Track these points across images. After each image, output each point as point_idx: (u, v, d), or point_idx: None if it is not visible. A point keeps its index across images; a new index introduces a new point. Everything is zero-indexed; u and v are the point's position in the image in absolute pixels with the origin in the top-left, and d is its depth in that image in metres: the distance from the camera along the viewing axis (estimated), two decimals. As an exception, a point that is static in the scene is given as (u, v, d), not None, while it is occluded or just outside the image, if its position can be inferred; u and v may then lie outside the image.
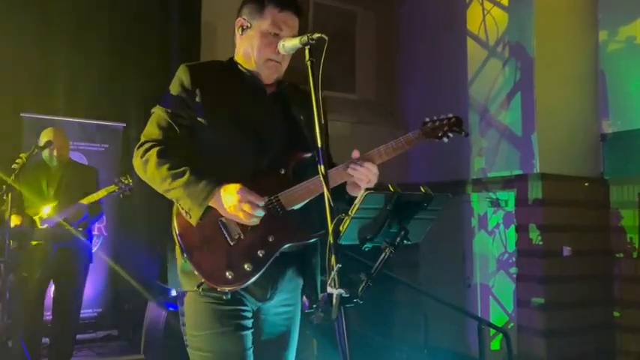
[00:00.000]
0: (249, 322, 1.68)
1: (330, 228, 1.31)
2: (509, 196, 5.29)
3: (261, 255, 1.61)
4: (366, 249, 1.45)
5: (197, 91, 1.71)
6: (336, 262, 1.28)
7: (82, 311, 3.90)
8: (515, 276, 5.11)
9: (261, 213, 1.57)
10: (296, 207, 1.67)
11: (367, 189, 1.42)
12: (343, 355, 1.28)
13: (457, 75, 5.89)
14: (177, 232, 1.65)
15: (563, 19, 5.21)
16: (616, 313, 5.02)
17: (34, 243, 3.36)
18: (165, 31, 5.32)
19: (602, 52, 5.29)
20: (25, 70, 4.68)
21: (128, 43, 5.18)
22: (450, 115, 1.83)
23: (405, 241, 1.42)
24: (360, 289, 1.33)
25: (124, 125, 5.16)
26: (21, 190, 3.50)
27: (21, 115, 4.66)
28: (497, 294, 5.35)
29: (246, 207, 1.54)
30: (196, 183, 1.59)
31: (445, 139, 1.81)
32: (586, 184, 5.01)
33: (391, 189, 1.40)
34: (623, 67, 5.14)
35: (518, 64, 5.23)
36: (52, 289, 3.66)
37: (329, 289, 1.29)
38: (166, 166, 1.62)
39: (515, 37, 5.28)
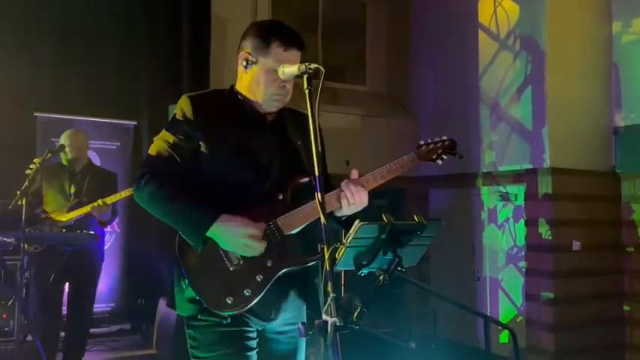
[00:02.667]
0: (253, 343, 1.72)
1: (326, 257, 1.34)
2: (519, 190, 5.27)
3: (259, 280, 1.66)
4: (362, 274, 1.48)
5: (198, 122, 1.75)
6: (332, 291, 1.31)
7: (95, 306, 4.02)
8: (524, 270, 5.12)
9: (261, 246, 1.62)
10: (294, 231, 1.71)
11: (361, 220, 1.44)
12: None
13: (468, 67, 5.84)
14: (177, 255, 1.71)
15: (575, 11, 5.13)
16: (626, 307, 5.01)
17: (47, 246, 3.45)
18: (176, 29, 5.36)
19: (615, 44, 5.21)
20: (39, 70, 4.77)
21: (139, 42, 5.26)
22: (445, 138, 1.86)
23: (399, 268, 1.45)
24: (355, 315, 1.36)
25: (135, 124, 5.25)
26: (41, 193, 3.61)
27: (34, 114, 4.76)
28: (506, 287, 5.36)
29: (249, 243, 1.60)
30: (195, 213, 1.64)
31: (439, 162, 1.85)
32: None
33: (385, 219, 1.42)
34: (637, 59, 5.06)
35: (529, 57, 5.17)
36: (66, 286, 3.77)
37: (324, 317, 1.33)
38: (166, 197, 1.66)
39: (526, 30, 5.22)
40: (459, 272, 5.76)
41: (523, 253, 5.15)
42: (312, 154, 1.45)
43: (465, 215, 5.80)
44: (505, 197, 5.41)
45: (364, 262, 1.44)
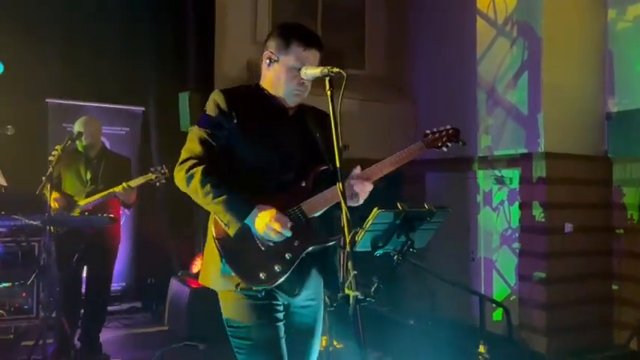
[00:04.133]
0: (281, 315, 1.93)
1: (348, 238, 1.53)
2: (513, 174, 5.44)
3: (288, 257, 1.85)
4: (378, 255, 1.67)
5: (232, 113, 1.92)
6: (353, 269, 1.50)
7: (109, 285, 4.19)
8: (517, 251, 5.31)
9: (288, 233, 1.80)
10: (316, 214, 1.91)
11: (379, 208, 1.62)
12: (359, 344, 1.51)
13: (466, 53, 5.96)
14: (215, 236, 1.89)
15: (571, -1, 5.23)
16: (615, 287, 5.22)
17: (70, 229, 3.62)
18: (182, 17, 5.47)
19: (610, 31, 5.33)
20: (50, 57, 4.87)
21: (146, 30, 5.37)
22: (449, 127, 2.07)
23: (411, 249, 1.63)
24: (372, 289, 1.54)
25: (143, 109, 5.37)
26: (61, 178, 3.76)
27: (46, 100, 4.87)
28: (500, 268, 5.57)
29: (277, 226, 1.79)
30: (235, 202, 1.83)
31: (444, 149, 2.07)
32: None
33: (400, 207, 1.60)
34: (631, 46, 5.18)
35: (525, 44, 5.30)
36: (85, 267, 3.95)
37: (347, 291, 1.51)
38: (209, 183, 1.83)
39: (523, 17, 5.32)
40: (456, 253, 5.95)
41: (517, 235, 5.33)
42: (331, 146, 1.64)
43: (460, 198, 5.97)
44: (500, 181, 5.58)
45: (380, 245, 1.63)
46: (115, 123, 5.21)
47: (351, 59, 7.13)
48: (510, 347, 4.34)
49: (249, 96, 2.01)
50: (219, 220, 1.87)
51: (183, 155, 1.93)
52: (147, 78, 5.42)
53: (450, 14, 6.19)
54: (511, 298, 5.38)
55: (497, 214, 5.64)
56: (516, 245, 5.34)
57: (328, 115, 1.77)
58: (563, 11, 5.17)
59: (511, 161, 5.44)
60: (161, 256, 4.98)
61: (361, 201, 1.92)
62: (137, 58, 5.38)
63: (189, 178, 1.86)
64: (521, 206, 5.29)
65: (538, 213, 5.14)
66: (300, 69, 1.92)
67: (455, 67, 6.11)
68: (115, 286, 5.09)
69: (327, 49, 6.68)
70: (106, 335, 4.19)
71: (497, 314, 5.41)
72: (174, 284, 4.49)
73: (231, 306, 1.92)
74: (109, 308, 4.70)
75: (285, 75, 1.95)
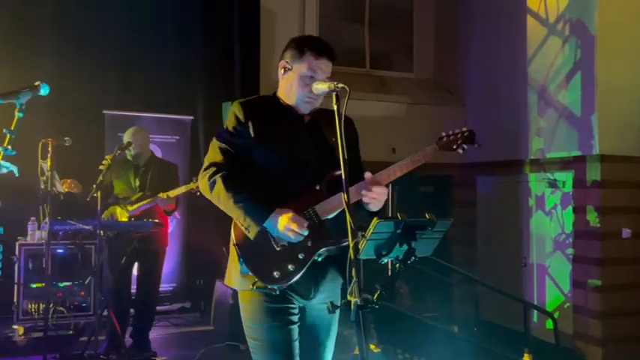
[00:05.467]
0: (295, 318, 2.00)
1: (351, 246, 1.59)
2: (567, 177, 5.25)
3: (301, 257, 1.93)
4: (382, 262, 1.71)
5: (249, 124, 2.02)
6: (356, 275, 1.54)
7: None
8: (571, 257, 5.12)
9: (305, 232, 1.89)
10: (329, 217, 1.97)
11: (378, 218, 1.66)
12: (360, 348, 1.56)
13: (516, 53, 5.81)
14: (234, 241, 2.00)
15: (627, -5, 4.99)
16: (676, 296, 4.93)
17: (119, 233, 3.87)
18: (229, 30, 5.71)
19: (669, 28, 5.04)
20: (106, 71, 5.24)
21: (195, 44, 5.68)
22: (464, 129, 2.06)
23: (413, 258, 1.66)
24: (375, 296, 1.59)
25: (192, 118, 5.64)
26: (112, 185, 4.03)
27: (103, 112, 5.22)
28: (553, 274, 5.38)
29: (294, 226, 1.88)
30: (255, 207, 1.93)
31: (460, 151, 2.05)
32: None
33: (399, 217, 1.63)
34: (691, 43, 4.89)
35: (578, 42, 5.10)
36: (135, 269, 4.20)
37: (349, 297, 1.57)
38: (230, 189, 1.94)
39: (576, 14, 5.13)
40: (506, 258, 5.81)
41: (571, 240, 5.14)
42: (351, 153, 1.73)
43: (512, 202, 5.83)
44: (553, 184, 5.40)
45: (384, 252, 1.67)
46: (166, 132, 5.49)
47: (399, 62, 7.12)
48: (559, 357, 4.19)
49: (265, 105, 2.10)
50: (240, 224, 1.97)
51: (206, 163, 2.04)
52: (196, 88, 5.71)
53: (500, 14, 6.05)
54: (565, 306, 5.19)
55: (550, 219, 5.46)
56: (570, 251, 5.15)
57: (347, 118, 1.84)
58: (616, 8, 4.94)
59: (564, 164, 5.26)
60: (208, 259, 5.18)
61: (379, 205, 1.95)
62: (187, 70, 5.69)
63: (212, 185, 1.97)
64: (575, 210, 5.10)
65: (593, 218, 4.93)
66: (311, 77, 2.01)
67: (505, 67, 5.97)
68: (166, 286, 5.35)
69: (375, 52, 6.72)
70: (155, 333, 4.42)
71: (550, 322, 5.23)
72: (220, 286, 4.67)
73: (248, 307, 2.01)
74: (160, 308, 4.96)
75: (297, 83, 2.03)
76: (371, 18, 6.91)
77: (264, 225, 1.91)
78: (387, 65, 7.04)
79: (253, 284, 1.94)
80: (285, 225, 1.87)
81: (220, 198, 1.96)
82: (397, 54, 7.16)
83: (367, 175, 1.94)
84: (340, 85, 1.82)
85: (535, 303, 5.34)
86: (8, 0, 5.07)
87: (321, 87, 1.93)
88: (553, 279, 5.39)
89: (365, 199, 1.92)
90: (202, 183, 2.02)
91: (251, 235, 1.93)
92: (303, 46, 2.04)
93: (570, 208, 5.16)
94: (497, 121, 6.09)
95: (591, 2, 4.95)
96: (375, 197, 1.91)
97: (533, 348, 3.85)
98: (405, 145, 6.19)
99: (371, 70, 6.86)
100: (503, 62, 6.00)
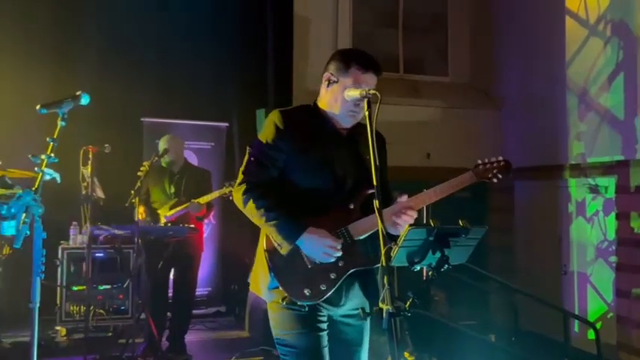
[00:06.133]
0: (324, 325, 2.01)
1: (383, 253, 1.58)
2: (609, 183, 5.09)
3: (333, 277, 1.94)
4: (415, 270, 1.69)
5: (288, 133, 2.01)
6: (388, 283, 1.53)
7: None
8: (614, 265, 4.95)
9: (338, 254, 1.89)
10: (362, 237, 1.97)
11: (411, 224, 1.64)
12: (393, 356, 1.55)
13: (555, 55, 5.68)
14: (265, 249, 2.00)
15: (673, -8, 4.81)
16: None
17: (154, 238, 3.95)
18: (262, 38, 5.82)
19: None
20: (144, 80, 5.40)
21: (229, 52, 5.79)
22: (500, 159, 2.03)
23: (446, 265, 1.64)
24: (407, 304, 1.57)
25: (227, 125, 5.74)
26: (148, 192, 4.14)
27: (141, 119, 5.36)
28: (595, 283, 5.21)
29: (328, 252, 1.89)
30: (288, 223, 1.93)
31: (495, 180, 2.03)
32: None
33: (432, 224, 1.62)
34: None
35: (620, 44, 4.95)
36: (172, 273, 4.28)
37: (380, 304, 1.56)
38: (264, 207, 1.95)
39: (618, 15, 4.98)
40: (545, 265, 5.66)
41: (614, 248, 4.97)
42: (384, 170, 1.77)
43: (551, 208, 5.68)
44: (594, 190, 5.24)
45: (416, 260, 1.66)
46: (202, 138, 5.61)
47: (433, 66, 7.04)
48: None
49: (305, 116, 2.09)
50: (273, 239, 1.98)
51: (240, 176, 2.04)
52: (231, 96, 5.83)
53: (537, 15, 5.93)
54: (608, 316, 5.02)
55: (592, 225, 5.29)
56: (613, 259, 4.98)
57: (380, 135, 1.84)
58: (661, 6, 4.77)
59: (606, 169, 5.10)
60: (243, 264, 5.23)
61: (401, 230, 1.92)
62: (222, 78, 5.79)
63: (246, 200, 1.98)
64: (618, 217, 4.93)
65: (637, 225, 4.76)
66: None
67: (543, 70, 5.84)
68: (202, 291, 5.43)
69: (409, 57, 6.64)
70: (191, 337, 4.49)
71: (592, 332, 5.06)
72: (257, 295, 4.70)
73: (277, 316, 2.02)
74: (197, 312, 5.03)
75: (341, 96, 2.01)
76: (404, 22, 6.86)
77: (297, 243, 1.92)
78: (421, 69, 6.99)
79: (283, 299, 1.95)
80: (318, 246, 1.89)
81: (254, 213, 1.97)
82: (431, 58, 7.08)
83: (404, 197, 1.93)
84: (372, 92, 1.83)
85: (576, 312, 5.18)
86: (49, 13, 5.27)
87: (352, 93, 1.92)
88: (595, 288, 5.22)
89: (398, 221, 1.90)
90: (236, 197, 2.03)
91: (283, 252, 1.95)
92: (349, 60, 2.04)
93: (613, 214, 4.99)
94: (535, 125, 5.95)
95: (634, 2, 4.79)
96: (408, 221, 1.89)
97: (574, 358, 3.73)
98: (439, 149, 6.12)
99: (404, 75, 6.81)
100: (541, 65, 5.87)
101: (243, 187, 2.00)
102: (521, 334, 4.96)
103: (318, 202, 1.99)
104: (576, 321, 5.10)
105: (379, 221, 1.62)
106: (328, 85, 2.07)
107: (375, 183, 1.68)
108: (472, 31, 6.95)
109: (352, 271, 1.95)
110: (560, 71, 5.57)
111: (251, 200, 1.96)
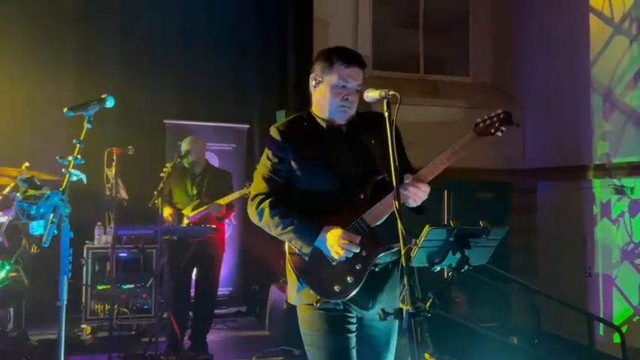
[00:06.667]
0: (353, 327, 2.02)
1: (403, 253, 1.58)
2: (635, 183, 4.99)
3: (358, 268, 1.94)
4: (435, 271, 1.69)
5: (288, 147, 2.06)
6: (407, 283, 1.54)
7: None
8: (641, 267, 4.85)
9: (356, 249, 1.90)
10: (378, 223, 1.98)
11: (431, 225, 1.64)
12: (412, 357, 1.56)
13: (578, 54, 5.59)
14: (289, 258, 2.04)
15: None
16: None
17: (177, 238, 4.01)
18: (283, 40, 5.86)
19: None
20: (166, 83, 5.49)
21: (250, 55, 5.84)
22: (499, 111, 2.01)
23: (467, 266, 1.64)
24: (427, 304, 1.58)
25: (248, 127, 5.80)
26: (171, 193, 4.20)
27: (164, 121, 5.45)
28: (621, 285, 5.11)
29: (345, 243, 1.90)
30: (303, 227, 1.97)
31: (499, 134, 2.00)
32: None
33: (452, 224, 1.61)
34: None
35: (647, 41, 4.86)
36: (194, 273, 4.34)
37: (400, 305, 1.57)
38: (277, 215, 2.00)
39: (644, 12, 4.89)
40: (568, 267, 5.57)
41: (640, 250, 4.87)
42: (389, 161, 1.75)
43: (575, 209, 5.60)
44: (620, 190, 5.14)
45: (436, 260, 1.66)
46: (224, 140, 5.67)
47: (454, 66, 6.99)
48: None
49: (301, 125, 2.13)
50: (293, 247, 2.02)
51: (252, 193, 2.12)
52: (252, 98, 5.90)
53: (560, 14, 5.84)
54: (634, 319, 4.92)
55: (617, 227, 5.19)
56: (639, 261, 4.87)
57: (382, 115, 1.83)
58: (690, 2, 4.67)
59: (632, 169, 5.00)
60: (264, 265, 5.26)
61: (419, 201, 1.95)
62: (243, 80, 5.87)
63: (260, 214, 2.03)
64: (644, 219, 4.83)
65: (664, 226, 4.66)
66: (343, 86, 2.03)
67: (566, 69, 5.75)
68: (223, 290, 5.48)
69: (430, 56, 6.61)
70: (212, 336, 4.53)
71: (618, 336, 4.97)
72: (274, 291, 4.73)
73: (307, 316, 2.04)
74: (218, 311, 5.08)
75: (328, 93, 2.05)
76: (425, 22, 6.83)
77: (315, 244, 1.95)
78: (442, 70, 6.94)
79: (317, 302, 1.97)
80: (336, 243, 1.90)
81: (270, 225, 2.01)
82: (452, 58, 7.04)
83: (407, 176, 1.93)
84: (391, 92, 1.83)
85: (601, 315, 5.09)
86: (74, 18, 5.39)
87: (372, 94, 1.93)
88: (621, 290, 5.12)
89: (406, 193, 1.91)
90: (251, 213, 2.08)
91: (305, 256, 1.98)
92: (331, 57, 2.06)
93: (639, 216, 4.89)
94: (558, 125, 5.87)
95: (660, -1, 4.70)
96: (415, 192, 1.91)
97: (599, 362, 3.67)
98: (462, 150, 6.07)
99: (425, 75, 6.78)
100: (564, 64, 5.79)
101: (255, 201, 2.06)
102: (544, 336, 4.90)
103: (328, 203, 2.02)
104: (601, 324, 5.01)
105: (399, 224, 1.63)
106: (315, 87, 2.11)
107: (394, 184, 1.69)
108: (494, 31, 6.89)
109: (378, 257, 1.96)
110: (584, 70, 5.49)
111: (265, 213, 2.01)
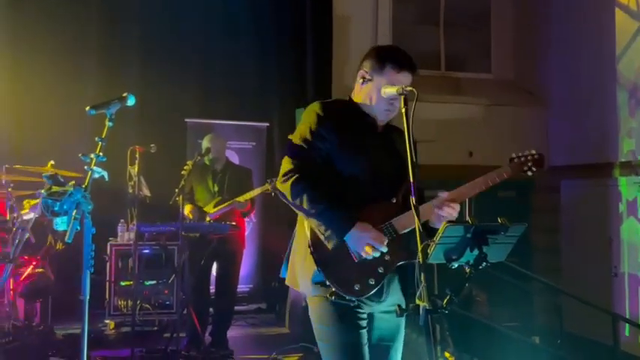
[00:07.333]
0: (364, 322, 2.01)
1: (419, 250, 1.57)
2: (662, 181, 4.88)
3: (380, 271, 1.95)
4: (452, 267, 1.68)
5: (330, 124, 2.01)
6: (424, 280, 1.53)
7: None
8: (668, 267, 4.74)
9: (384, 250, 1.90)
10: (406, 230, 1.96)
11: (448, 221, 1.64)
12: (429, 353, 1.55)
13: (603, 49, 5.49)
14: (310, 244, 1.96)
15: None
16: None
17: (199, 235, 4.06)
18: (301, 39, 5.88)
19: None
20: (188, 82, 5.55)
21: (270, 54, 5.88)
22: (534, 152, 2.01)
23: (485, 263, 1.62)
24: (444, 301, 1.57)
25: (268, 125, 5.84)
26: (192, 190, 4.25)
27: (185, 119, 5.51)
28: (647, 286, 5.01)
29: (375, 242, 1.90)
30: (337, 218, 1.92)
31: (529, 173, 2.01)
32: None
33: (469, 221, 1.60)
34: None
35: (675, 35, 4.74)
36: (214, 269, 4.38)
37: (417, 301, 1.57)
38: (311, 196, 1.93)
39: (672, 5, 4.77)
40: (593, 267, 5.48)
41: (667, 249, 4.77)
42: (407, 166, 1.72)
43: (600, 207, 5.50)
44: (646, 188, 5.03)
45: (454, 257, 1.65)
46: (243, 138, 5.71)
47: (475, 63, 6.92)
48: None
49: (344, 109, 2.10)
50: (319, 232, 1.96)
51: (285, 166, 2.01)
52: (271, 96, 5.94)
53: (584, 9, 5.74)
54: (661, 320, 4.81)
55: (644, 226, 5.08)
56: (667, 261, 4.77)
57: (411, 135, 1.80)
58: None
59: (659, 166, 4.89)
60: (283, 262, 5.28)
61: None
62: (263, 79, 5.90)
63: (292, 191, 1.94)
64: (672, 217, 4.73)
65: (692, 225, 4.54)
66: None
67: (591, 65, 5.65)
68: (243, 287, 5.51)
69: (451, 54, 6.55)
70: (233, 332, 4.56)
71: (644, 337, 4.86)
72: (294, 289, 4.74)
73: (318, 309, 2.02)
74: (238, 308, 5.11)
75: (376, 95, 2.03)
76: (446, 19, 6.77)
77: (345, 239, 1.92)
78: (463, 67, 6.87)
79: (331, 294, 1.93)
80: (366, 241, 1.89)
81: (302, 205, 1.94)
82: (474, 55, 6.96)
83: (444, 194, 1.93)
84: (408, 88, 1.82)
85: (627, 316, 4.99)
86: (95, 16, 5.48)
87: (389, 90, 1.93)
88: (648, 291, 5.02)
89: (441, 213, 1.91)
90: (282, 187, 1.99)
91: (329, 246, 1.94)
92: (384, 59, 2.04)
93: (667, 214, 4.79)
94: (582, 122, 5.77)
95: (689, -8, 4.58)
96: (450, 213, 1.90)
97: (624, 364, 3.59)
98: (482, 148, 6.01)
99: (446, 72, 6.72)
100: (589, 60, 5.68)
101: (288, 177, 1.96)
102: (567, 336, 4.82)
103: (357, 193, 1.98)
104: (627, 324, 4.91)
105: (416, 218, 1.62)
106: (363, 83, 2.08)
107: (412, 180, 1.68)
108: (516, 27, 6.79)
109: (398, 264, 1.96)
110: (610, 66, 5.38)
111: (299, 191, 1.93)
